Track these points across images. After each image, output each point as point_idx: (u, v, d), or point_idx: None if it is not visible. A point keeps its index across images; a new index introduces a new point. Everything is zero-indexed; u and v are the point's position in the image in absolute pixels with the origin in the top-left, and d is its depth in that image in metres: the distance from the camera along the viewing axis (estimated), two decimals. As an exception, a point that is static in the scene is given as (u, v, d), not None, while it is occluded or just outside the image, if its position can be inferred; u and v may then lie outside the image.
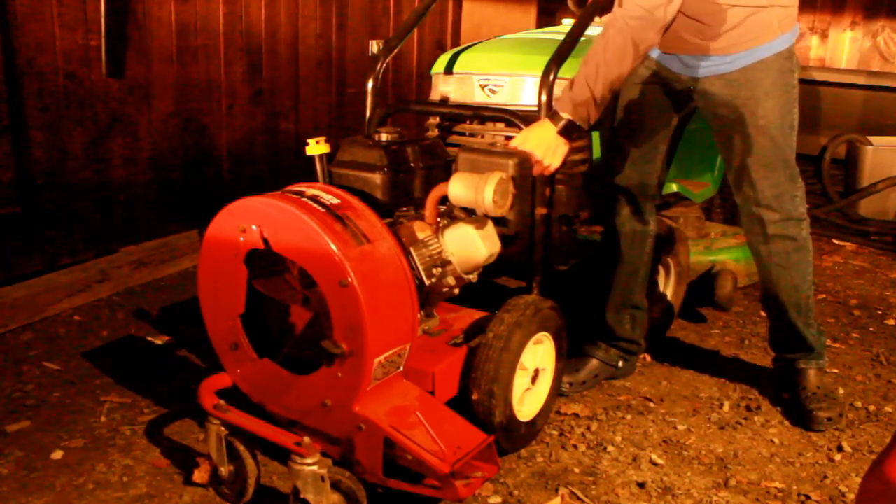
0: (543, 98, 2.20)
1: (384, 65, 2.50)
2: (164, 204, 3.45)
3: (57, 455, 2.02)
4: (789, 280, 2.28)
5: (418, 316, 1.82)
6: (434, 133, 2.57)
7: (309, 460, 1.61)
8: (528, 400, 2.08)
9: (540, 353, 2.10)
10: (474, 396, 1.93)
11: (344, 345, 1.66)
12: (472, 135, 2.52)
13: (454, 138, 2.53)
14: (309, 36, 4.01)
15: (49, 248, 3.04)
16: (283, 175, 3.94)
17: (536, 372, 2.10)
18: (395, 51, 2.55)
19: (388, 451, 1.75)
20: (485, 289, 2.26)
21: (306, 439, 1.65)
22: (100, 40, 3.05)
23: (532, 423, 2.10)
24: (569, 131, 2.11)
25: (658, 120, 2.32)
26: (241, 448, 1.78)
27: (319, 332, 1.80)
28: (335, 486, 1.67)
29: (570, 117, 2.09)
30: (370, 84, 2.49)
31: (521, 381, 2.03)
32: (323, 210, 1.70)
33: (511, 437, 2.02)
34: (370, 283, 1.65)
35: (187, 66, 3.44)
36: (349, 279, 1.62)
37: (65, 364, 2.51)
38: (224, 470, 1.81)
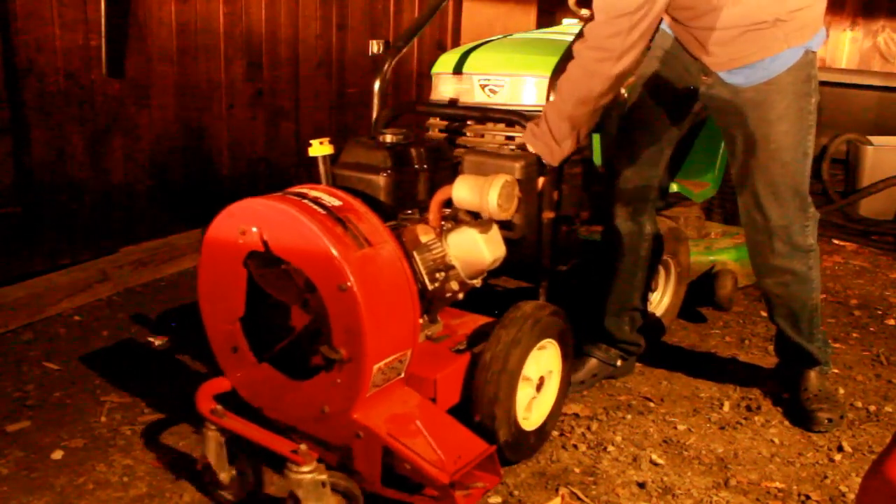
0: (552, 98, 2.17)
1: (391, 66, 2.49)
2: (164, 204, 3.45)
3: (57, 455, 2.02)
4: (787, 308, 2.26)
5: (420, 321, 1.78)
6: (435, 134, 2.56)
7: (305, 468, 1.57)
8: (535, 407, 2.05)
9: (544, 359, 2.06)
10: (476, 418, 1.89)
11: (342, 350, 1.63)
12: (480, 135, 2.50)
13: (458, 139, 2.52)
14: (309, 36, 4.01)
15: (49, 248, 3.04)
16: (283, 175, 3.94)
17: (542, 379, 2.06)
18: (402, 52, 2.54)
19: (388, 460, 1.71)
20: (490, 291, 2.25)
21: (303, 447, 1.60)
22: (100, 40, 3.05)
23: (541, 429, 2.07)
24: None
25: (668, 124, 2.26)
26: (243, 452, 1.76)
27: (319, 337, 1.78)
28: (332, 488, 1.64)
29: (532, 150, 2.05)
30: (377, 85, 2.47)
31: (524, 392, 1.99)
32: (323, 212, 1.67)
33: (519, 449, 1.99)
34: (370, 287, 1.62)
35: (187, 66, 3.44)
36: (348, 283, 1.58)
37: (65, 364, 2.51)
38: (225, 475, 1.78)
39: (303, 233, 1.63)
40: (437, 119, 2.57)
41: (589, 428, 2.22)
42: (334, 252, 1.60)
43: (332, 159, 2.01)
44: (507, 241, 2.03)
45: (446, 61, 2.63)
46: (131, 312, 2.93)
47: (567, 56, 2.13)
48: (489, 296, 2.50)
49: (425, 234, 1.91)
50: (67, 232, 3.09)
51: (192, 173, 3.56)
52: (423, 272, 1.86)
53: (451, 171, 2.14)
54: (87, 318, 2.87)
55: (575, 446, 2.13)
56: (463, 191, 1.91)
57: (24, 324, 2.76)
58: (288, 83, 3.95)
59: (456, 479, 1.66)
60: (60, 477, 1.93)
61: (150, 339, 2.70)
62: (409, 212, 2.03)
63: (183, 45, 3.41)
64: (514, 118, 2.28)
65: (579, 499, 1.92)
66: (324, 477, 1.59)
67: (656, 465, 2.07)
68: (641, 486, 1.97)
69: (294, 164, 4.02)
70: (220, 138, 3.66)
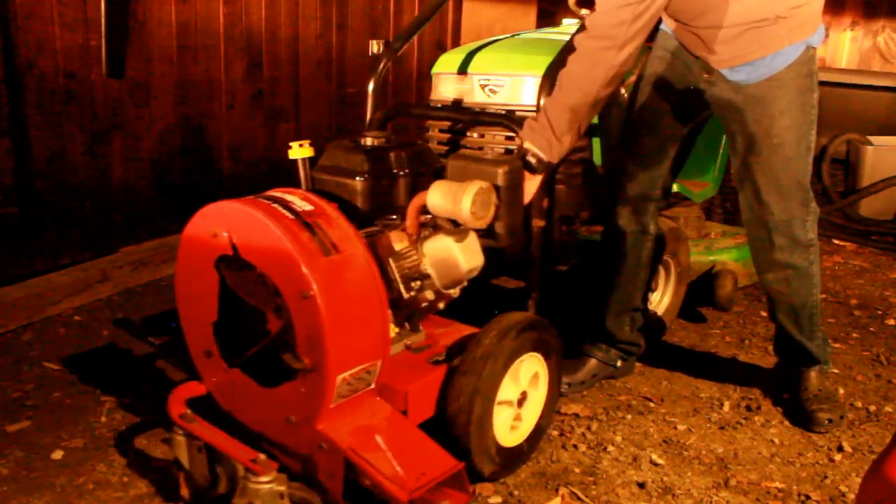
0: (542, 101, 2.15)
1: (386, 66, 2.48)
2: (164, 204, 3.46)
3: (57, 455, 2.02)
4: (788, 304, 2.26)
5: (390, 331, 1.72)
6: (436, 135, 2.55)
7: (264, 479, 1.50)
8: (524, 417, 1.99)
9: (524, 371, 1.96)
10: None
11: (305, 359, 1.59)
12: (481, 136, 2.50)
13: (460, 140, 2.51)
14: (309, 36, 4.01)
15: (49, 248, 3.04)
16: (283, 175, 3.94)
17: (524, 394, 1.97)
18: (399, 53, 2.52)
19: (352, 474, 1.66)
20: (490, 291, 2.23)
21: (262, 456, 1.55)
22: (100, 40, 3.05)
23: (533, 433, 2.02)
24: (530, 164, 2.00)
25: (672, 124, 2.25)
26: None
27: (286, 344, 1.72)
28: (291, 499, 1.57)
29: (530, 147, 1.99)
30: (371, 86, 2.45)
31: (506, 414, 1.93)
32: (291, 217, 1.63)
33: (510, 465, 1.96)
34: (334, 295, 1.57)
35: (187, 66, 3.44)
36: (311, 291, 1.54)
37: (65, 364, 2.51)
38: (202, 479, 1.71)
39: (268, 237, 1.59)
40: (438, 120, 2.57)
41: (589, 428, 2.22)
42: (297, 258, 1.55)
43: (313, 162, 1.97)
44: (490, 252, 1.96)
45: (446, 61, 2.63)
46: (131, 312, 2.93)
47: (566, 51, 2.11)
48: (489, 296, 2.50)
49: (399, 242, 1.84)
50: (67, 232, 3.10)
51: (192, 173, 3.56)
52: (399, 280, 1.80)
53: (434, 176, 2.05)
54: (87, 318, 2.87)
55: (575, 446, 2.13)
56: (437, 197, 1.83)
57: (24, 324, 2.76)
58: (288, 83, 3.95)
59: (416, 497, 1.59)
60: (60, 477, 1.93)
61: (150, 340, 2.70)
62: (393, 217, 1.97)
63: (183, 45, 3.41)
64: (506, 121, 2.25)
65: (579, 499, 1.92)
66: (282, 488, 1.53)
67: (656, 465, 2.07)
68: (641, 486, 1.97)
69: (293, 165, 4.02)
70: (220, 138, 3.66)
